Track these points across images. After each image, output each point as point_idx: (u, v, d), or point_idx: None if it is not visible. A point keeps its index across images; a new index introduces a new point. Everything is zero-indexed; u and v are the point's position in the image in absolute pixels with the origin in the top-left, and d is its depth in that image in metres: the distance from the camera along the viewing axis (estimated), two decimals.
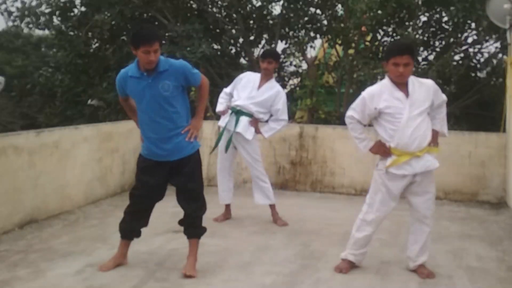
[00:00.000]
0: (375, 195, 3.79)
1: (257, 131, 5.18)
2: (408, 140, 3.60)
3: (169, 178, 3.75)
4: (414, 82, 3.69)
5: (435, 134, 3.79)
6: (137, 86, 3.60)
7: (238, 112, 5.11)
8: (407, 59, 3.57)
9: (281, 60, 13.26)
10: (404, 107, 3.61)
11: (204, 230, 3.86)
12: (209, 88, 3.86)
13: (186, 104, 3.73)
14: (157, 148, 3.66)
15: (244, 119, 5.10)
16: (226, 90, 5.35)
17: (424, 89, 3.69)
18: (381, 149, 3.73)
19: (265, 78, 5.16)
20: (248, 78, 5.22)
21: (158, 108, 3.58)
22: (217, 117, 8.53)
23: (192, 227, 3.81)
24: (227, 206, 5.36)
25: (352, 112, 3.79)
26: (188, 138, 3.66)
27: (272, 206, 5.28)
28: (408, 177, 3.69)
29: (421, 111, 3.63)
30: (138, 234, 3.92)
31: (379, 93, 3.68)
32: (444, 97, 3.82)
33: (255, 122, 5.16)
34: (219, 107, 5.29)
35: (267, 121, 5.27)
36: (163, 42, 10.37)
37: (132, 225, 3.84)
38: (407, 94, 3.63)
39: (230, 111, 5.17)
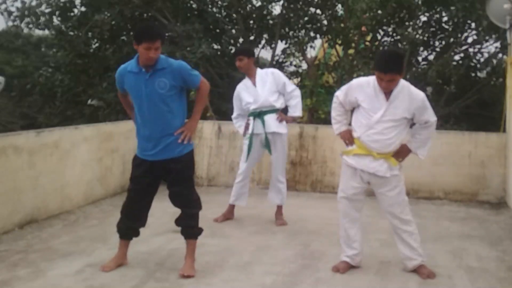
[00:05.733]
0: (341, 183, 3.89)
1: (288, 120, 5.18)
2: (369, 139, 3.65)
3: (162, 176, 3.76)
4: (403, 89, 3.62)
5: (405, 151, 3.76)
6: (135, 82, 3.64)
7: (259, 114, 5.08)
8: (390, 76, 3.51)
9: (281, 60, 13.23)
10: (380, 109, 3.62)
11: (200, 230, 3.85)
12: (208, 91, 3.85)
13: (183, 106, 3.73)
14: (147, 146, 3.67)
15: (269, 118, 5.07)
16: (234, 114, 5.34)
17: (409, 100, 3.62)
18: (347, 136, 3.83)
19: (251, 75, 5.13)
20: (242, 87, 5.20)
21: (153, 106, 3.59)
22: (217, 117, 8.51)
23: (188, 227, 3.79)
24: (232, 207, 5.34)
25: (339, 93, 3.87)
26: (181, 140, 3.66)
27: (279, 207, 5.29)
28: (363, 174, 3.72)
29: (394, 119, 3.62)
30: (136, 234, 3.91)
31: (365, 86, 3.71)
32: (431, 118, 3.70)
33: (281, 114, 5.14)
34: (240, 128, 5.27)
35: (285, 110, 5.23)
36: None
37: (129, 224, 3.84)
38: (388, 98, 3.62)
39: (251, 118, 5.12)
